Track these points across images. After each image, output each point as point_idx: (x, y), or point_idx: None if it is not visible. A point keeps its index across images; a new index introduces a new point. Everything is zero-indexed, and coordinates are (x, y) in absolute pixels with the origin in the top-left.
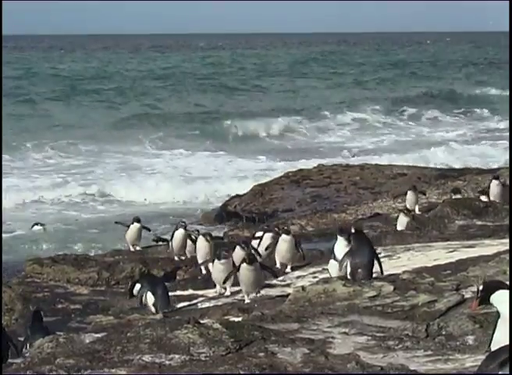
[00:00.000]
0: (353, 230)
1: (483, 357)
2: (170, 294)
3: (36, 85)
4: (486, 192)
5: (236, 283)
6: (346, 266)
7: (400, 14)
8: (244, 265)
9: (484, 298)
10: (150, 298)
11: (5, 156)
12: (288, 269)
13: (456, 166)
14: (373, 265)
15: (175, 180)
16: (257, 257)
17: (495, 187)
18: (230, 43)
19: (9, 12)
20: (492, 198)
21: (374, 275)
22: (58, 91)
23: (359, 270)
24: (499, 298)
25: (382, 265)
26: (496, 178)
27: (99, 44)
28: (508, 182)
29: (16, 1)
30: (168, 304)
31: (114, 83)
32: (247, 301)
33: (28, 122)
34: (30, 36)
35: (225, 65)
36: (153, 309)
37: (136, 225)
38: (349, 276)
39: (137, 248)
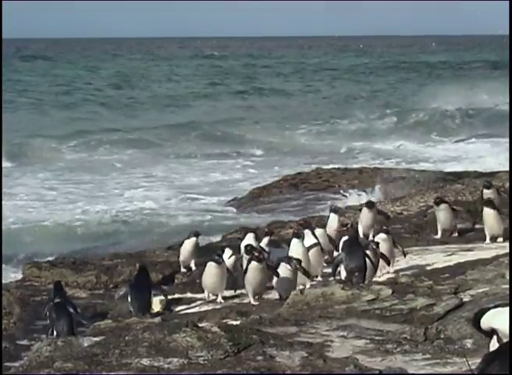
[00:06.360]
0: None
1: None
2: (168, 297)
3: None
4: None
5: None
6: (340, 271)
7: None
8: (254, 263)
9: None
10: (130, 301)
11: None
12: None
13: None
14: (366, 268)
15: None
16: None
17: (489, 195)
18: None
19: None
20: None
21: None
22: None
23: (356, 274)
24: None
25: (382, 269)
26: (488, 187)
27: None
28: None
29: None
30: (143, 309)
31: None
32: (253, 302)
33: None
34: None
35: None
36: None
37: (192, 239)
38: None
39: (192, 266)
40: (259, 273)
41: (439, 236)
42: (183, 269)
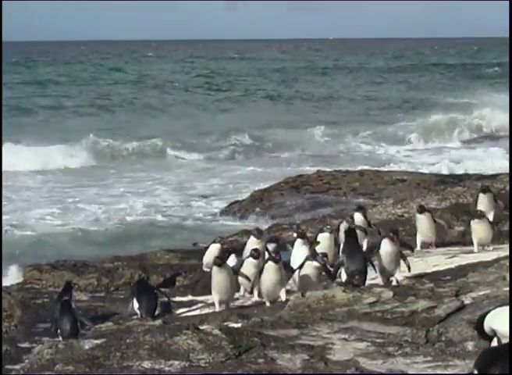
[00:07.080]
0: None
1: None
2: (170, 299)
3: None
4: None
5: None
6: (340, 274)
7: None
8: (270, 263)
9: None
10: (135, 304)
11: None
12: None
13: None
14: (367, 270)
15: None
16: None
17: (483, 199)
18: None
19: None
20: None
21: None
22: None
23: (356, 277)
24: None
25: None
26: (484, 191)
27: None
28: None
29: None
30: (151, 312)
31: None
32: (268, 305)
33: None
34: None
35: None
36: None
37: (218, 245)
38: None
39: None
40: (275, 274)
41: (418, 248)
42: (207, 270)
